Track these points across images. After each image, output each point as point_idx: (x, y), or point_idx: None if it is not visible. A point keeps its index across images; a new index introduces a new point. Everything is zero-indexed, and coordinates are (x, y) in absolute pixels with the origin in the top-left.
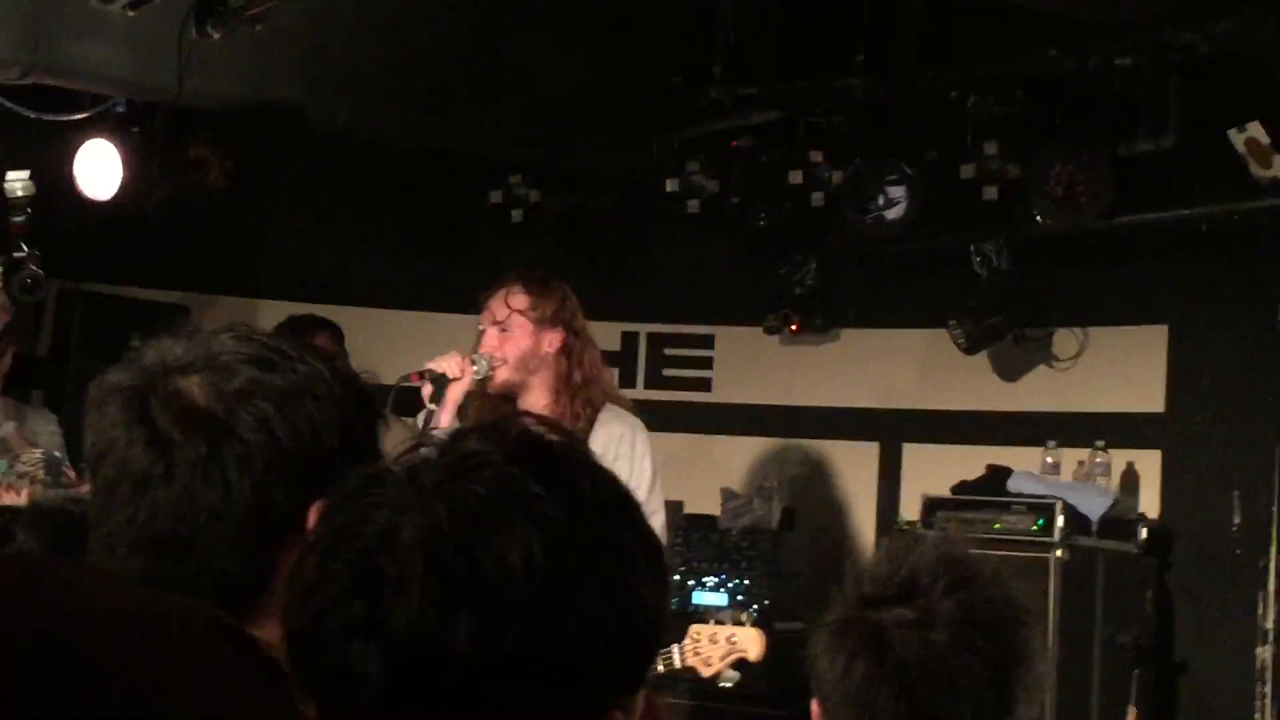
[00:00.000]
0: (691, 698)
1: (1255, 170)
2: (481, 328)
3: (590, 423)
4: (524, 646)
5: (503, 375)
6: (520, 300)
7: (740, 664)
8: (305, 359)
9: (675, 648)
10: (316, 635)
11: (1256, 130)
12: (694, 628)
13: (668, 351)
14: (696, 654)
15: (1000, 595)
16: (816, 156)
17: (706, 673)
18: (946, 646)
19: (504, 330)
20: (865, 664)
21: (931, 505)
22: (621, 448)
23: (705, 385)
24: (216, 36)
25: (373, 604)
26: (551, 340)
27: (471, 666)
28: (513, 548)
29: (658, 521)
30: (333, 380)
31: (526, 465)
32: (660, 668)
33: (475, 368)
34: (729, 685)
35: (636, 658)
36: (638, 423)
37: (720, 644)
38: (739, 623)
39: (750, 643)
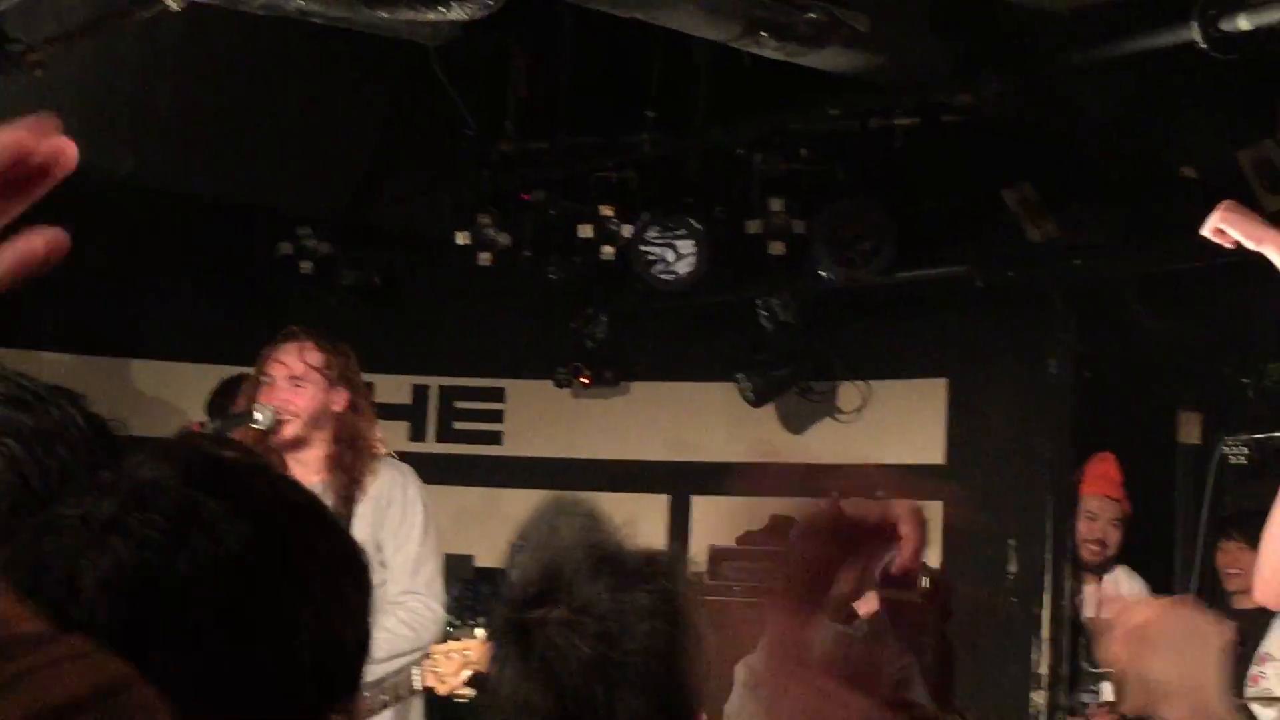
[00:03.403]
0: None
1: (1028, 229)
2: (267, 379)
3: (371, 474)
4: (224, 665)
5: (291, 430)
6: (315, 357)
7: (477, 677)
8: (60, 404)
9: (414, 669)
10: None
11: (1027, 190)
12: (434, 647)
13: (458, 404)
14: (433, 671)
15: (651, 574)
16: (607, 210)
17: (443, 689)
18: (594, 639)
19: (298, 385)
20: (513, 666)
21: (717, 555)
22: (394, 492)
23: (496, 438)
24: None
25: None
26: (339, 399)
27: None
28: (201, 567)
29: (429, 568)
30: (87, 428)
31: (204, 485)
32: (400, 692)
33: (259, 417)
34: (464, 699)
35: (350, 656)
36: (410, 470)
37: (455, 659)
38: (473, 636)
39: (484, 655)
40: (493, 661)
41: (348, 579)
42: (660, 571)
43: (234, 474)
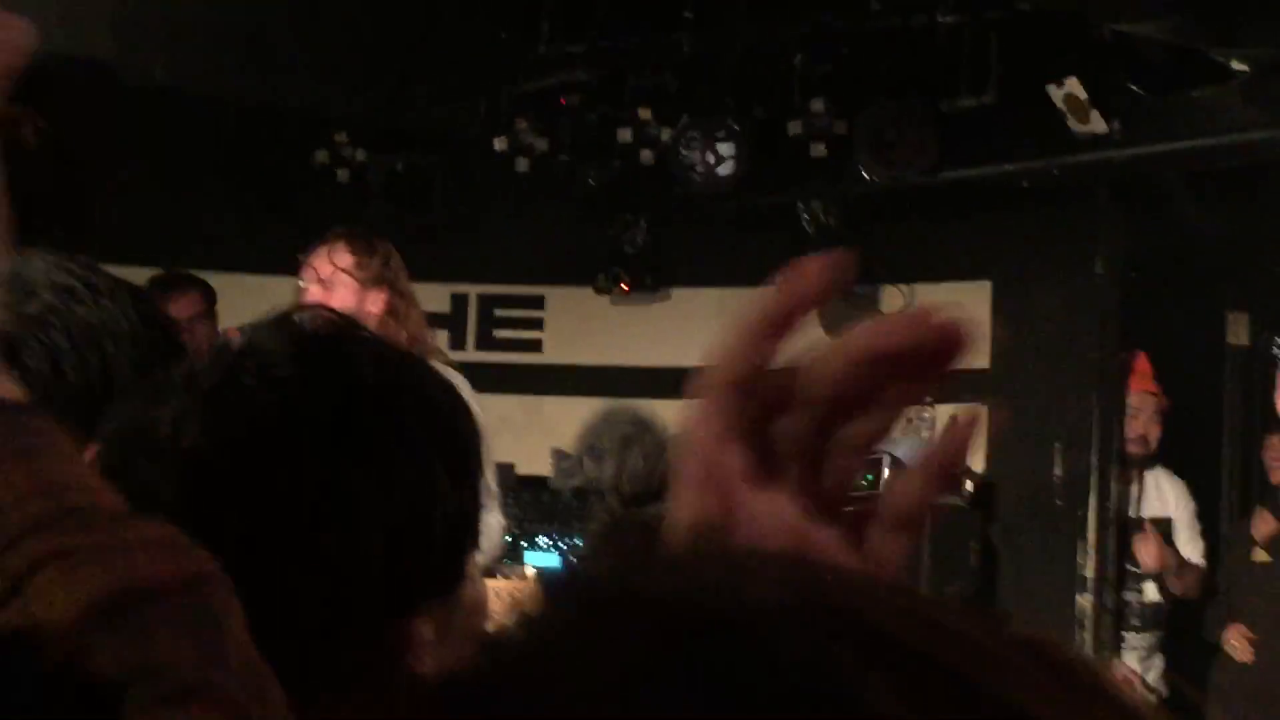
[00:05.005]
0: None
1: (1073, 125)
2: (303, 285)
3: None
4: (292, 544)
5: None
6: (344, 258)
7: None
8: (115, 296)
9: None
10: None
11: (1074, 85)
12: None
13: (498, 313)
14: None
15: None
16: (645, 114)
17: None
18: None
19: (328, 288)
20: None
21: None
22: None
23: (536, 346)
24: None
25: None
26: (376, 300)
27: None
28: (280, 451)
29: (485, 477)
30: (139, 323)
31: (308, 362)
32: None
33: None
34: None
35: (438, 556)
36: (462, 378)
37: (503, 600)
38: (523, 576)
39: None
40: (604, 554)
41: (439, 472)
42: None
43: (340, 354)
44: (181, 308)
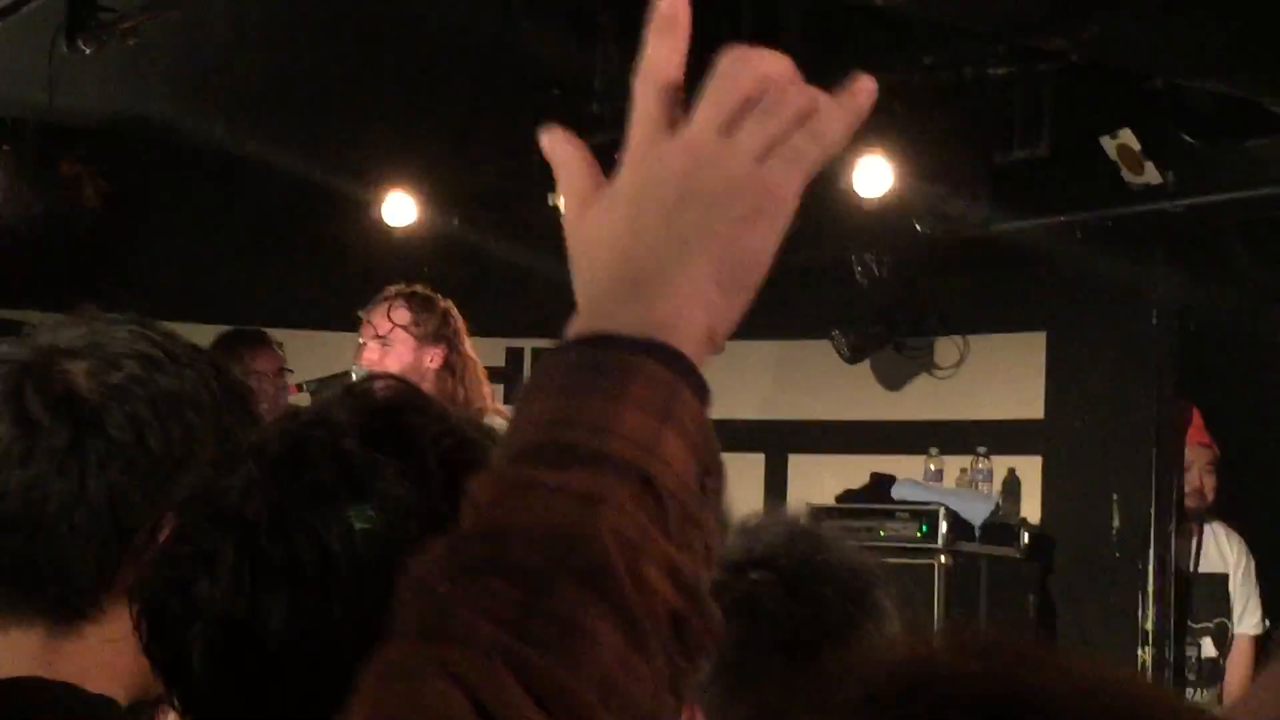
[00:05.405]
0: None
1: (1127, 176)
2: (361, 342)
3: None
4: (347, 627)
5: None
6: (402, 315)
7: None
8: (196, 365)
9: None
10: (157, 614)
11: (1127, 136)
12: None
13: None
14: None
15: (847, 553)
16: None
17: None
18: (810, 601)
19: (385, 345)
20: (738, 626)
21: (817, 514)
22: None
23: None
24: (88, 51)
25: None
26: (434, 356)
27: (289, 646)
28: (335, 532)
29: None
30: (219, 391)
31: (375, 438)
32: None
33: (354, 378)
34: None
35: None
36: None
37: None
38: None
39: None
40: None
41: None
42: (850, 551)
43: (405, 430)
44: (265, 362)
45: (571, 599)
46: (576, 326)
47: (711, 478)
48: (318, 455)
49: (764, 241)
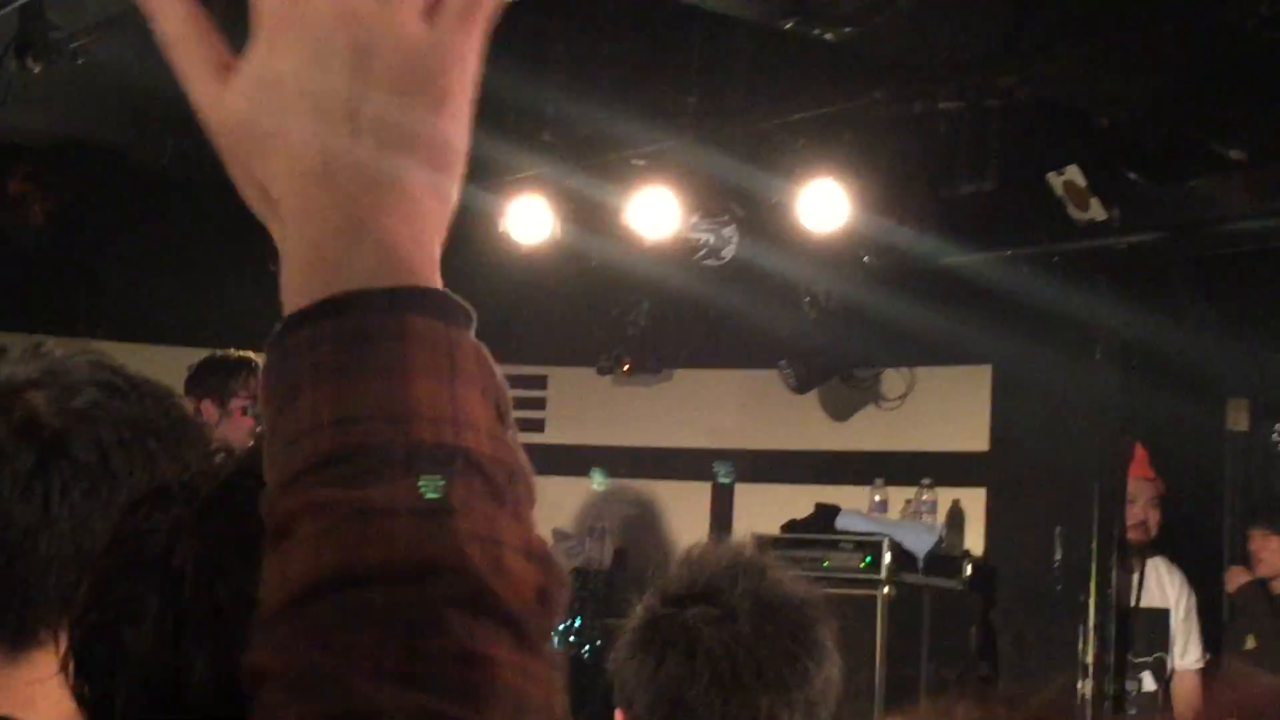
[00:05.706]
0: None
1: (1073, 212)
2: None
3: None
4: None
5: None
6: None
7: None
8: (154, 395)
9: None
10: (85, 658)
11: (1074, 173)
12: None
13: None
14: None
15: (792, 586)
16: None
17: None
18: (750, 637)
19: None
20: (676, 660)
21: (762, 544)
22: None
23: (538, 426)
24: (36, 70)
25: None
26: None
27: (213, 698)
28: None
29: None
30: (176, 422)
31: None
32: None
33: None
34: None
35: None
36: None
37: None
38: None
39: None
40: (642, 653)
41: None
42: (794, 583)
43: None
44: (255, 388)
45: (458, 630)
46: (302, 283)
47: (504, 407)
48: (244, 503)
49: (462, 123)
